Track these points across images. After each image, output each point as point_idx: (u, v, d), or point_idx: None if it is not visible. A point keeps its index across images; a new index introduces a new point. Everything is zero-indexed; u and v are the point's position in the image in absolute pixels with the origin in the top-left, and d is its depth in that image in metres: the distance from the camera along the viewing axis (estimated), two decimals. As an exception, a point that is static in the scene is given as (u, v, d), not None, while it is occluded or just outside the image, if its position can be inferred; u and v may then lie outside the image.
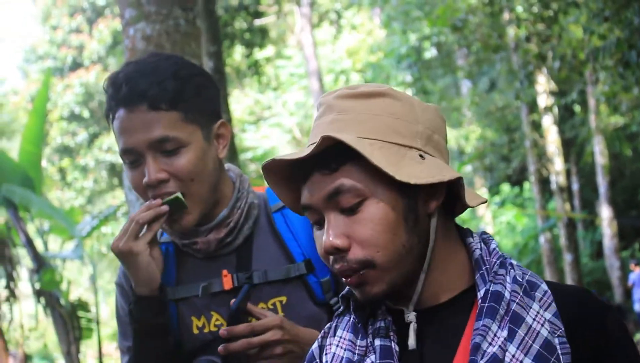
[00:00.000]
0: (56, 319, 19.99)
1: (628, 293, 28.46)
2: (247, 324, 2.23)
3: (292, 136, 35.82)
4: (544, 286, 1.75)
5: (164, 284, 2.49)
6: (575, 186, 31.16)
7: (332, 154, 1.67)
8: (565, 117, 30.37)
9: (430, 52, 29.60)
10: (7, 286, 19.18)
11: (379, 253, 1.67)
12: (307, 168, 1.72)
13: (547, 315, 1.68)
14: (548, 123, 27.70)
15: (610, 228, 28.49)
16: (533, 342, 1.64)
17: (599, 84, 23.90)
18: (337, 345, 1.80)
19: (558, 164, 27.53)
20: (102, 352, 21.90)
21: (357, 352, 1.77)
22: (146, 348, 2.45)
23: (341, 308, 1.88)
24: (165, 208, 2.32)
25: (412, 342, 1.73)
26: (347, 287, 1.83)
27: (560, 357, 1.64)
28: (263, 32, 22.20)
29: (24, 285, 21.86)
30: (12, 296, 19.20)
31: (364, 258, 1.67)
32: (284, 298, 2.45)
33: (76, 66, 38.51)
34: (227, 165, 2.61)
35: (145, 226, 2.36)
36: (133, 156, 2.42)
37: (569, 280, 26.15)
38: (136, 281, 2.37)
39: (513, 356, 1.63)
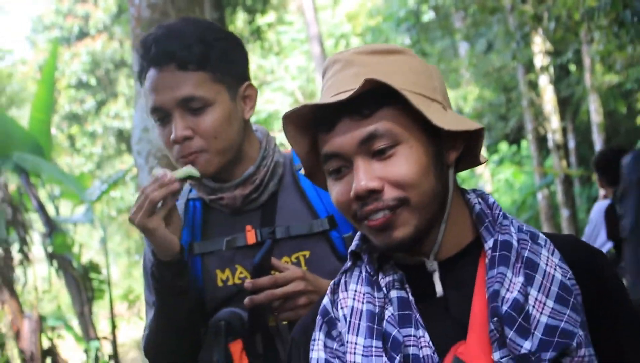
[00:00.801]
0: (69, 281, 20.05)
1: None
2: (271, 276, 2.26)
3: (294, 99, 35.79)
4: (543, 236, 1.77)
5: (189, 240, 2.53)
6: (571, 144, 31.10)
7: (364, 100, 1.67)
8: (561, 77, 30.28)
9: (428, 15, 29.53)
10: (21, 250, 19.21)
11: (413, 191, 1.68)
12: (333, 116, 1.72)
13: (556, 260, 1.71)
14: (544, 83, 27.64)
15: (606, 184, 28.42)
16: (551, 284, 1.67)
17: (594, 43, 23.80)
18: (354, 299, 1.80)
19: (554, 122, 27.49)
20: (113, 312, 21.97)
21: (376, 303, 1.77)
22: (168, 306, 2.48)
23: (348, 264, 1.87)
24: (176, 185, 2.33)
25: (439, 289, 1.77)
26: (357, 243, 1.84)
27: (576, 297, 1.67)
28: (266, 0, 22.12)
29: (37, 248, 21.88)
30: (25, 259, 19.23)
31: (400, 195, 1.68)
32: (307, 253, 2.47)
33: (82, 35, 38.38)
34: (254, 126, 2.63)
35: (160, 203, 2.35)
36: (161, 114, 2.48)
37: (566, 235, 26.15)
38: (156, 249, 2.38)
39: (536, 299, 1.65)
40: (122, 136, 37.63)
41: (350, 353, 1.75)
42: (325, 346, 1.84)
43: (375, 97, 1.67)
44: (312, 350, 1.85)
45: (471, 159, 1.84)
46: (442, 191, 1.74)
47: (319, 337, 1.86)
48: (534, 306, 1.64)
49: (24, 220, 19.89)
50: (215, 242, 2.53)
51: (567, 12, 20.20)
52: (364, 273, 1.83)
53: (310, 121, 1.79)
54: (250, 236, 2.49)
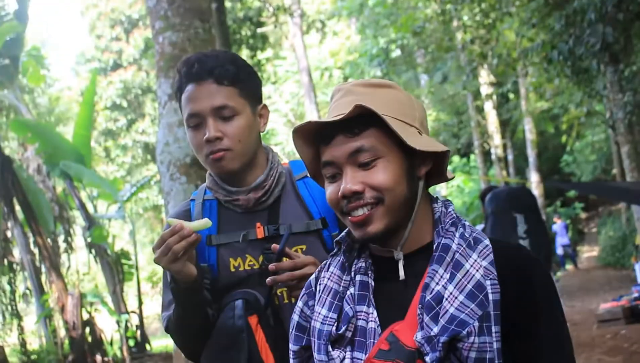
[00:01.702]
0: (104, 266, 20.02)
1: (552, 240, 28.58)
2: (291, 260, 2.29)
3: (287, 119, 35.85)
4: (486, 241, 1.79)
5: (207, 233, 2.56)
6: (510, 157, 31.19)
7: (355, 122, 1.75)
8: (502, 103, 30.40)
9: (395, 53, 29.54)
10: (65, 241, 19.17)
11: (388, 194, 1.75)
12: (331, 132, 1.80)
13: (484, 263, 1.73)
14: (489, 108, 27.76)
15: (537, 189, 28.56)
16: (468, 282, 1.69)
17: (528, 76, 23.92)
18: (328, 279, 1.89)
19: (497, 139, 27.58)
20: (140, 290, 21.93)
21: (342, 284, 1.86)
22: (185, 314, 2.51)
23: (335, 250, 1.95)
24: (194, 237, 2.33)
25: (402, 273, 1.80)
26: (342, 235, 1.91)
27: (489, 294, 1.68)
28: (264, 38, 22.13)
29: (79, 239, 21.85)
30: (69, 248, 19.19)
31: (377, 196, 1.75)
32: (304, 246, 2.51)
33: (116, 66, 38.33)
34: (264, 144, 2.69)
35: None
36: (197, 120, 2.50)
37: (506, 231, 26.20)
38: (175, 277, 2.40)
39: (451, 293, 1.68)
40: (148, 148, 37.57)
41: (315, 320, 1.87)
42: (302, 312, 1.97)
43: (364, 120, 1.75)
44: (294, 314, 1.99)
45: (440, 176, 1.89)
46: (411, 198, 1.80)
47: (299, 304, 1.99)
48: (447, 299, 1.68)
49: (68, 216, 19.86)
50: (230, 235, 2.55)
51: (507, 51, 20.29)
52: (340, 259, 1.91)
53: (314, 135, 1.87)
54: (260, 232, 2.53)
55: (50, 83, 36.34)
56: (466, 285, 1.69)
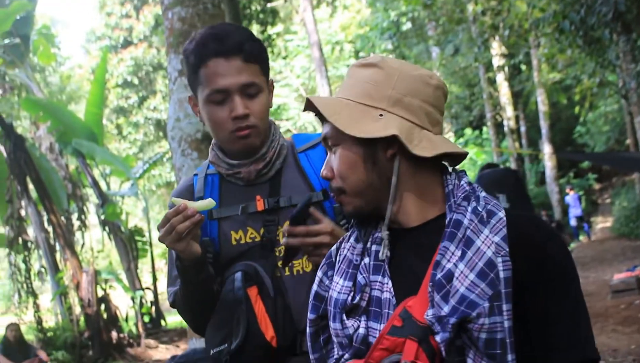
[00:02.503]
0: (118, 243, 20.11)
1: (565, 211, 28.56)
2: (305, 227, 2.28)
3: (298, 94, 35.77)
4: (501, 214, 1.75)
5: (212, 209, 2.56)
6: (522, 129, 31.13)
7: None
8: (514, 75, 30.27)
9: (406, 26, 29.42)
10: (79, 218, 19.27)
11: (346, 182, 1.82)
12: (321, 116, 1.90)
13: (496, 239, 1.69)
14: (500, 79, 27.63)
15: (550, 161, 28.53)
16: (479, 260, 1.66)
17: (540, 47, 23.80)
18: (347, 249, 1.91)
19: (509, 111, 27.49)
20: (154, 267, 22.03)
21: (355, 253, 1.87)
22: (190, 291, 2.53)
23: (352, 221, 1.96)
24: (198, 217, 2.34)
25: (383, 252, 1.81)
26: None
27: (500, 272, 1.64)
28: (274, 12, 22.03)
29: (92, 217, 21.94)
30: (83, 226, 19.29)
31: (338, 185, 1.84)
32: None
33: (127, 43, 38.35)
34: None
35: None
36: (222, 96, 2.49)
37: (519, 203, 26.21)
38: (180, 258, 2.41)
39: (461, 272, 1.66)
40: (159, 125, 37.63)
41: (332, 290, 1.88)
42: (321, 281, 1.98)
43: None
44: (314, 284, 1.99)
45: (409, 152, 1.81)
46: (381, 180, 1.80)
47: (319, 275, 1.99)
48: (457, 278, 1.66)
49: (82, 194, 19.93)
50: (231, 209, 2.56)
51: (519, 22, 20.16)
52: (357, 231, 1.92)
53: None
54: (260, 204, 2.53)
55: (61, 61, 36.35)
56: (477, 263, 1.66)
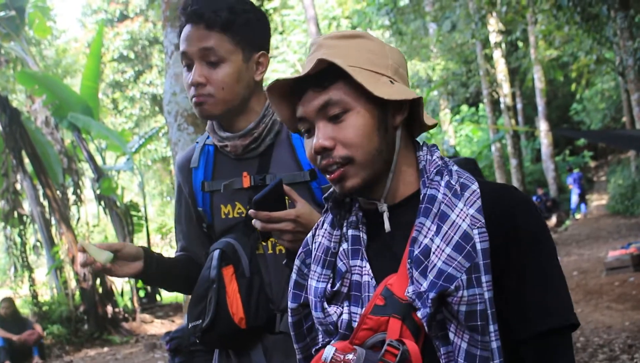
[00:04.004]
0: (113, 218, 20.10)
1: (560, 189, 28.65)
2: (266, 213, 2.26)
3: (294, 69, 35.72)
4: (474, 186, 1.75)
5: (202, 179, 2.63)
6: (519, 106, 31.10)
7: (324, 75, 1.73)
8: (511, 51, 30.22)
9: (403, 1, 29.32)
10: (75, 193, 19.25)
11: (358, 151, 1.72)
12: (303, 88, 1.77)
13: (471, 211, 1.69)
14: (497, 56, 27.57)
15: (546, 138, 28.56)
16: (454, 234, 1.66)
17: (537, 24, 23.75)
18: (322, 236, 1.88)
19: (505, 88, 27.45)
20: (150, 242, 22.04)
21: (332, 240, 1.85)
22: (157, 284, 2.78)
23: (325, 206, 1.91)
24: (99, 266, 2.44)
25: (387, 226, 1.77)
26: (330, 191, 1.89)
27: (477, 244, 1.65)
28: (270, -13, 21.97)
29: (88, 191, 21.92)
30: (78, 200, 19.27)
31: (346, 154, 1.72)
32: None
33: (123, 17, 38.22)
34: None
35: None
36: (187, 60, 2.51)
37: (515, 180, 26.36)
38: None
39: (438, 246, 1.65)
40: (155, 100, 37.55)
41: (311, 278, 1.86)
42: (299, 270, 1.96)
43: (332, 73, 1.72)
44: (293, 272, 1.97)
45: (420, 124, 1.83)
46: (388, 149, 1.76)
47: (297, 263, 1.97)
48: (434, 253, 1.65)
49: (77, 168, 19.90)
50: (220, 183, 2.58)
51: (516, -2, 20.11)
52: (330, 216, 1.89)
53: (289, 92, 1.84)
54: (246, 181, 2.53)
55: (56, 35, 36.20)
56: (453, 237, 1.66)
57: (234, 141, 2.55)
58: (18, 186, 17.95)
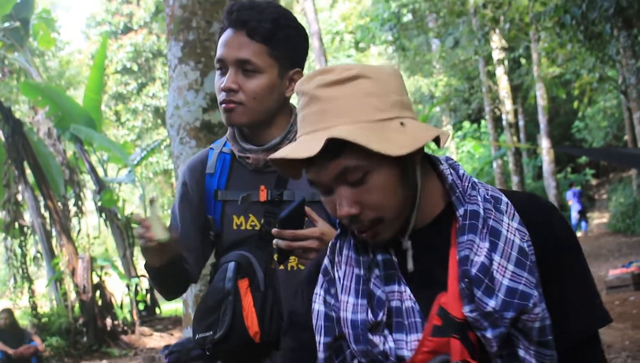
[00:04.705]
0: (114, 230, 20.10)
1: (561, 207, 28.67)
2: (292, 231, 2.25)
3: (298, 84, 35.79)
4: (504, 198, 1.71)
5: (215, 188, 2.61)
6: (521, 123, 31.15)
7: (331, 144, 1.58)
8: (513, 68, 30.25)
9: (407, 17, 29.39)
10: (76, 204, 19.25)
11: (386, 211, 1.64)
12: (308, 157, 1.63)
13: (515, 224, 1.65)
14: (500, 73, 27.60)
15: (548, 155, 28.56)
16: (511, 249, 1.62)
17: (540, 41, 23.78)
18: (346, 263, 1.77)
19: (508, 105, 27.48)
20: (150, 254, 22.00)
21: (362, 266, 1.73)
22: (157, 280, 2.70)
23: (339, 231, 1.83)
24: (150, 235, 2.42)
25: (410, 265, 1.70)
26: None
27: (531, 257, 1.62)
28: (275, 0, 22.04)
29: (89, 203, 21.93)
30: (79, 212, 19.27)
31: (375, 217, 1.64)
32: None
33: (127, 29, 38.31)
34: (292, 105, 2.65)
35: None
36: (222, 65, 2.50)
37: (516, 197, 26.37)
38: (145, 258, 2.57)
39: (499, 264, 1.60)
40: (158, 112, 37.60)
41: (343, 310, 1.72)
42: (325, 301, 1.80)
43: (339, 140, 1.58)
44: (315, 302, 1.82)
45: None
46: (412, 190, 1.68)
47: (320, 292, 1.82)
48: (497, 270, 1.60)
49: (79, 180, 19.92)
50: (235, 193, 2.55)
51: (519, 15, 20.15)
52: (352, 240, 1.78)
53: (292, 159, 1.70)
54: (262, 195, 2.51)
55: (60, 46, 36.29)
56: (511, 253, 1.61)
57: (257, 154, 2.53)
58: (19, 197, 17.96)
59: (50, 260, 17.78)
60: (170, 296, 2.79)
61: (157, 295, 21.53)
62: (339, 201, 1.66)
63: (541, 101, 27.91)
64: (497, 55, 26.23)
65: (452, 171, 1.77)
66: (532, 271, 1.61)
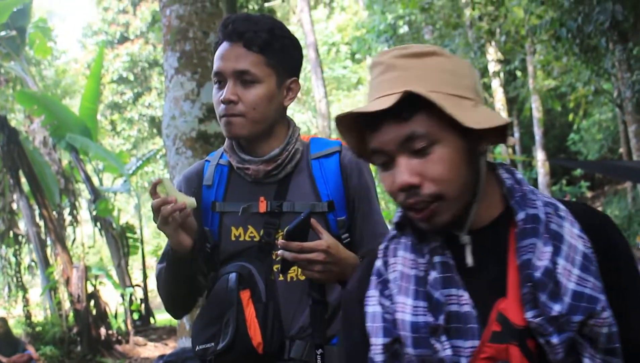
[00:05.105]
0: (109, 239, 20.08)
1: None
2: (299, 243, 2.24)
3: (293, 95, 35.80)
4: (562, 206, 1.69)
5: (213, 199, 2.58)
6: (516, 135, 31.14)
7: (403, 105, 1.57)
8: (509, 81, 30.30)
9: (403, 29, 29.43)
10: (71, 213, 19.23)
11: (448, 187, 1.59)
12: (378, 119, 1.62)
13: (575, 231, 1.63)
14: (496, 85, 27.67)
15: (543, 167, 28.58)
16: (575, 254, 1.59)
17: (536, 54, 23.83)
18: (403, 264, 1.72)
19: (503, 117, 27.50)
20: (145, 264, 21.99)
21: (420, 268, 1.69)
22: (175, 279, 2.55)
23: (394, 232, 1.79)
24: (181, 204, 2.34)
25: (469, 259, 1.68)
26: (398, 215, 1.77)
27: (595, 264, 1.59)
28: (271, 12, 22.06)
29: (84, 212, 21.90)
30: (74, 221, 19.25)
31: (436, 192, 1.59)
32: None
33: (123, 39, 38.29)
34: (288, 117, 2.65)
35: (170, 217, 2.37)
36: (220, 78, 2.50)
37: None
38: (170, 243, 2.45)
39: (564, 268, 1.57)
40: (154, 122, 37.55)
41: (401, 312, 1.67)
42: (380, 302, 1.74)
43: (412, 102, 1.56)
44: (368, 305, 1.76)
45: (500, 140, 1.70)
46: (475, 178, 1.65)
47: (374, 294, 1.76)
48: (562, 274, 1.56)
49: (74, 189, 19.89)
50: (234, 205, 2.54)
51: (515, 28, 20.22)
52: (409, 242, 1.75)
53: (358, 121, 1.70)
54: (262, 206, 2.51)
55: (56, 55, 36.28)
56: (575, 257, 1.59)
57: (257, 165, 2.54)
58: (14, 206, 17.92)
59: (44, 269, 17.75)
60: (180, 311, 2.73)
61: (152, 304, 21.50)
62: (399, 170, 1.62)
63: (536, 113, 27.94)
64: (492, 67, 26.28)
65: (510, 175, 1.75)
66: (597, 277, 1.59)
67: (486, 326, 1.61)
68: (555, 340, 1.55)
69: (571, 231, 1.63)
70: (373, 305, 1.74)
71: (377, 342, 1.70)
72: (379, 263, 1.79)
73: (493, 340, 1.60)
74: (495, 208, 1.72)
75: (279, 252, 2.29)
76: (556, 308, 1.55)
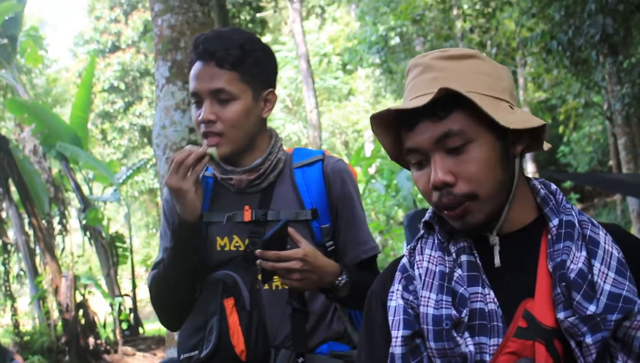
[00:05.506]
0: (98, 248, 20.00)
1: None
2: (275, 252, 2.27)
3: (284, 104, 35.83)
4: (595, 221, 1.72)
5: (202, 212, 2.56)
6: (507, 147, 31.21)
7: (439, 103, 1.60)
8: (500, 93, 30.39)
9: (394, 40, 29.50)
10: (60, 222, 19.18)
11: (482, 186, 1.62)
12: (413, 116, 1.65)
13: (609, 240, 1.65)
14: (486, 97, 27.72)
15: (534, 179, 28.64)
16: (610, 259, 1.60)
17: (527, 66, 23.93)
18: (429, 262, 1.74)
19: (494, 129, 27.57)
20: (134, 274, 21.92)
21: (447, 265, 1.71)
22: (180, 259, 2.52)
23: (422, 231, 1.82)
24: (203, 149, 2.40)
25: (497, 260, 1.69)
26: (429, 215, 1.80)
27: (629, 271, 1.60)
28: (263, 23, 22.12)
29: (74, 221, 21.83)
30: (64, 230, 19.20)
31: (469, 191, 1.62)
32: None
33: (115, 48, 38.27)
34: (269, 128, 2.67)
35: (191, 169, 2.40)
36: (197, 98, 2.53)
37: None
38: (182, 211, 2.44)
39: (600, 270, 1.58)
40: (144, 131, 37.52)
41: (424, 305, 1.68)
42: (403, 296, 1.76)
43: (449, 101, 1.60)
44: (391, 299, 1.77)
45: (536, 146, 1.74)
46: (509, 180, 1.68)
47: (397, 288, 1.78)
48: (598, 276, 1.58)
49: (64, 198, 19.85)
50: (220, 215, 2.56)
51: (506, 40, 20.31)
52: (436, 241, 1.77)
53: (394, 120, 1.73)
54: (247, 215, 2.53)
55: (48, 64, 36.24)
56: (610, 262, 1.60)
57: (239, 176, 2.56)
58: (3, 214, 17.87)
59: (33, 278, 17.67)
60: (177, 318, 2.66)
61: (141, 314, 21.43)
62: (434, 168, 1.64)
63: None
64: (483, 79, 26.37)
65: (543, 186, 1.78)
66: (632, 282, 1.59)
67: (511, 322, 1.62)
68: (589, 340, 1.55)
69: (606, 239, 1.65)
70: (396, 299, 1.76)
71: (398, 334, 1.71)
72: (404, 260, 1.82)
73: (518, 335, 1.60)
74: (527, 215, 1.74)
75: (258, 262, 2.30)
76: (591, 308, 1.55)
